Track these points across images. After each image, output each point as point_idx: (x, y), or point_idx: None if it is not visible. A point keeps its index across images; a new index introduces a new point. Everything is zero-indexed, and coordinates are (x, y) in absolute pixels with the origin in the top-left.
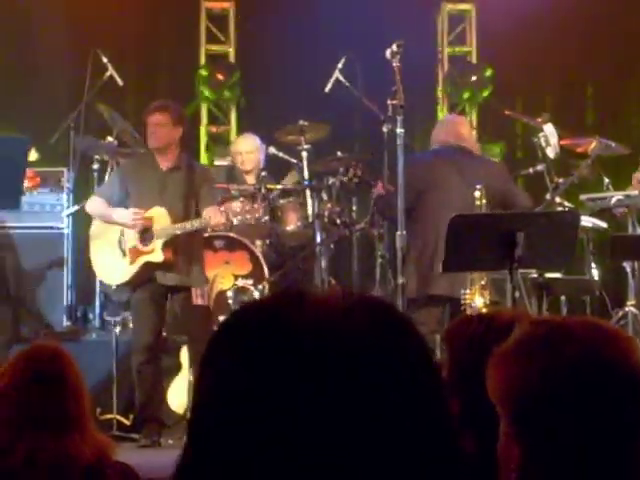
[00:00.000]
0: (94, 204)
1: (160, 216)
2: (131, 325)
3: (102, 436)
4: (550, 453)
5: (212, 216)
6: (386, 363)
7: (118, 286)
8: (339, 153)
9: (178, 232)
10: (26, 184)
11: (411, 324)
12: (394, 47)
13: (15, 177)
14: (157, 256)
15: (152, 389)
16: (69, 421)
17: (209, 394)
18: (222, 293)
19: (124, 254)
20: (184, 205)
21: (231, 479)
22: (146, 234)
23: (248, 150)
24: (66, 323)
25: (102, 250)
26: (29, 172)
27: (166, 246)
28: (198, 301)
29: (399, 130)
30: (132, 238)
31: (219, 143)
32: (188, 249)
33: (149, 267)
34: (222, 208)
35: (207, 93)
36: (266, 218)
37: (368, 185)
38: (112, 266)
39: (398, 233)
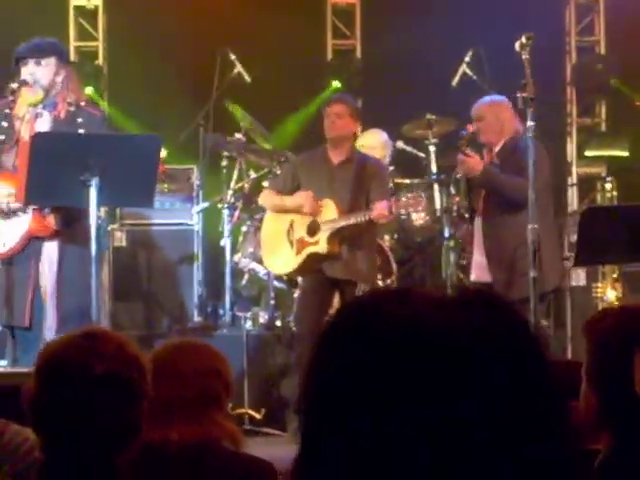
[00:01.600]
0: (267, 196)
1: (327, 208)
2: (261, 319)
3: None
4: None
5: (375, 209)
6: (500, 359)
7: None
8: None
9: (342, 224)
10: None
11: (527, 322)
12: (523, 39)
13: (148, 175)
14: (322, 247)
15: None
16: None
17: (316, 394)
18: None
19: (292, 245)
20: (352, 198)
21: (350, 469)
22: (313, 225)
23: (372, 145)
24: (197, 318)
25: (271, 240)
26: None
27: (331, 238)
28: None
29: (529, 123)
30: (300, 229)
31: None
32: (355, 242)
33: (314, 258)
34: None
35: (334, 87)
36: None
37: None
38: (279, 256)
39: (530, 226)
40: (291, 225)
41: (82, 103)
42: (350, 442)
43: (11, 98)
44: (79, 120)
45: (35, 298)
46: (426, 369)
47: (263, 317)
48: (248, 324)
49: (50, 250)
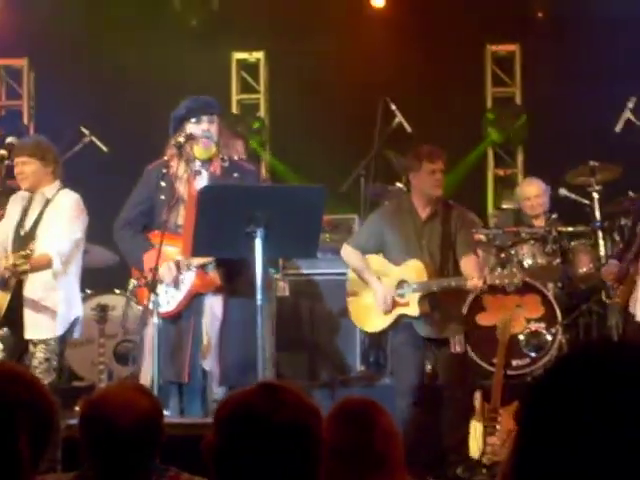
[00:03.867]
0: (350, 255)
1: (417, 270)
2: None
3: None
4: None
5: (470, 278)
6: None
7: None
8: (631, 193)
9: (434, 289)
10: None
11: None
12: None
13: (313, 226)
14: (413, 310)
15: (416, 433)
16: (379, 461)
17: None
18: (514, 337)
19: None
20: (442, 255)
21: None
22: (403, 285)
23: (536, 194)
24: (360, 368)
25: (360, 297)
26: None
27: (422, 300)
28: (456, 349)
29: None
30: (389, 288)
31: (506, 186)
32: (445, 302)
33: (404, 318)
34: (480, 257)
35: (494, 136)
36: (558, 261)
37: None
38: (368, 313)
39: None
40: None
41: (235, 158)
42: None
43: (171, 153)
44: (235, 175)
45: (194, 352)
46: None
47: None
48: None
49: (213, 305)
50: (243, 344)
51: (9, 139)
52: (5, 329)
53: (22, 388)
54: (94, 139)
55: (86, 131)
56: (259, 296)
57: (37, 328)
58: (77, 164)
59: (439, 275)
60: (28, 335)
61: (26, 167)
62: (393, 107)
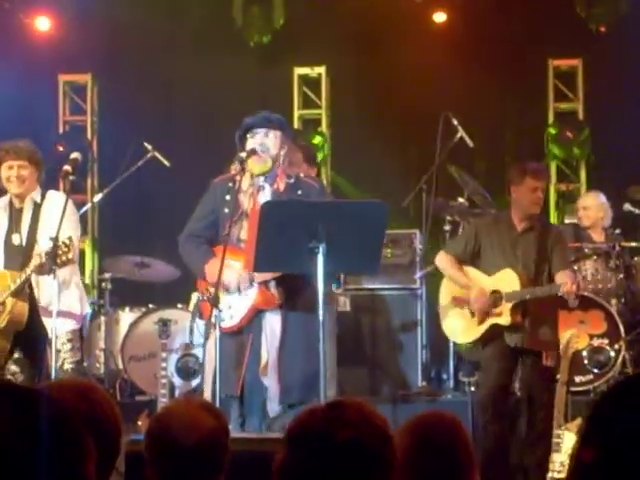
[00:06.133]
0: (444, 261)
1: (510, 279)
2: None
3: None
4: None
5: (564, 284)
6: None
7: (468, 344)
8: None
9: (527, 297)
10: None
11: None
12: None
13: (374, 242)
14: (505, 319)
15: (495, 448)
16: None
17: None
18: (577, 353)
19: (473, 314)
20: (536, 267)
21: None
22: (496, 296)
23: (591, 205)
24: (421, 383)
25: (450, 306)
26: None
27: (515, 309)
28: (548, 362)
29: None
30: None
31: (569, 201)
32: (538, 312)
33: (497, 328)
34: (575, 269)
35: (556, 151)
36: (621, 276)
37: None
38: (459, 324)
39: None
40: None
41: (300, 175)
42: None
43: (236, 168)
44: (299, 192)
45: (252, 368)
46: None
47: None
48: (472, 389)
49: (273, 322)
50: (303, 361)
51: (73, 155)
52: (19, 353)
53: (93, 410)
54: (157, 154)
55: (149, 146)
56: (321, 312)
57: (59, 325)
58: (139, 179)
59: (533, 285)
60: (50, 333)
61: (23, 171)
62: (455, 122)
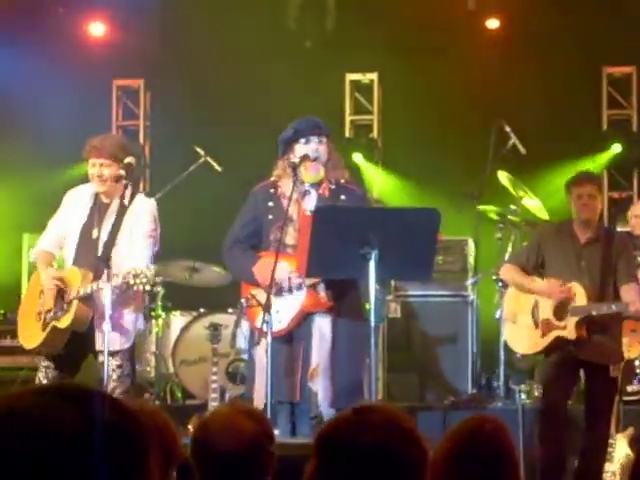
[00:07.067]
0: (509, 272)
1: (577, 292)
2: (536, 393)
3: None
4: None
5: (632, 303)
6: None
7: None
8: None
9: (594, 314)
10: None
11: None
12: None
13: (426, 249)
14: (570, 333)
15: (555, 457)
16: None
17: None
18: (630, 362)
19: (536, 325)
20: (602, 280)
21: None
22: (561, 308)
23: (638, 214)
24: (471, 391)
25: (514, 317)
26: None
27: (580, 323)
28: (614, 374)
29: None
30: (546, 310)
31: (621, 209)
32: (604, 324)
33: (560, 341)
34: None
35: (609, 159)
36: None
37: None
38: (522, 334)
39: None
40: (536, 304)
41: (342, 180)
42: None
43: (277, 174)
44: (342, 197)
45: (303, 373)
46: None
47: (538, 390)
48: (523, 397)
49: (322, 326)
50: (352, 366)
51: (127, 159)
52: (46, 362)
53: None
54: (209, 159)
55: (201, 151)
56: (372, 317)
57: (110, 341)
58: (191, 183)
59: (599, 299)
60: (99, 346)
61: (104, 170)
62: (507, 129)
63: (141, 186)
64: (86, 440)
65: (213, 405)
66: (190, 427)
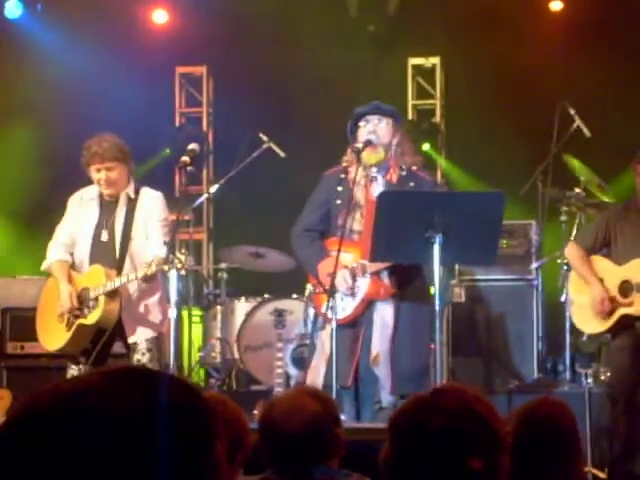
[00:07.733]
0: (573, 254)
1: None
2: (602, 376)
3: None
4: None
5: None
6: None
7: (590, 336)
8: None
9: None
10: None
11: None
12: None
13: (491, 232)
14: (636, 309)
15: (627, 443)
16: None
17: None
18: None
19: None
20: None
21: None
22: (626, 285)
23: None
24: (537, 375)
25: (581, 297)
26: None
27: None
28: None
29: None
30: (611, 288)
31: None
32: None
33: (627, 318)
34: None
35: None
36: None
37: None
38: (589, 314)
39: None
40: (601, 282)
41: (414, 168)
42: None
43: (347, 160)
44: (411, 184)
45: (361, 358)
46: None
47: (604, 374)
48: (589, 381)
49: (385, 313)
50: (414, 352)
51: (191, 146)
52: (82, 366)
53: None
54: (272, 145)
55: (264, 137)
56: (437, 301)
57: (139, 332)
58: (255, 170)
59: None
60: (130, 339)
61: (111, 173)
62: (572, 111)
63: (204, 172)
64: (152, 421)
65: (278, 391)
66: (256, 412)
